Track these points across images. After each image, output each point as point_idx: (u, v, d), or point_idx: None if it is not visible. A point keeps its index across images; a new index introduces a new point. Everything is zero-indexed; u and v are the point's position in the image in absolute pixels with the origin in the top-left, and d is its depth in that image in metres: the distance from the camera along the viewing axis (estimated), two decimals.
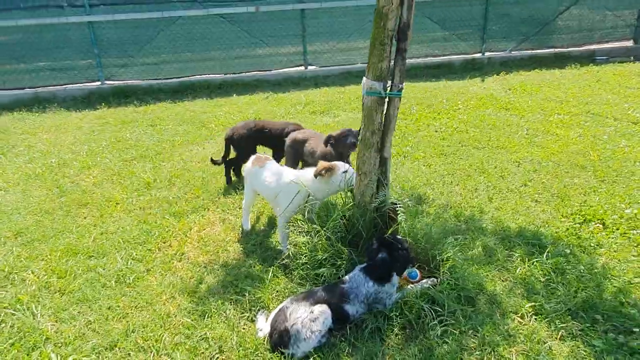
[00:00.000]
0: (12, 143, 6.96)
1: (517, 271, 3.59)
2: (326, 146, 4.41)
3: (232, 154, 5.32)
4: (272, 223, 4.47)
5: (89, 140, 6.98)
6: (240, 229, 4.37)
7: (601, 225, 4.16)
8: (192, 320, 3.18)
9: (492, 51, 10.98)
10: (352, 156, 4.36)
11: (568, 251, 3.76)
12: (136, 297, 3.49)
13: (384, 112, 3.39)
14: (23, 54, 9.32)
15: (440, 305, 3.10)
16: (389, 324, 3.07)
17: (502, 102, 7.89)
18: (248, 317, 3.24)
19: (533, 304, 3.22)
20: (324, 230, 3.48)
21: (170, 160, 6.12)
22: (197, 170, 5.72)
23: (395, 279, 3.22)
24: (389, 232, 3.34)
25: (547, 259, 3.64)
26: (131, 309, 3.36)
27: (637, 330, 2.96)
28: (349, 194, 3.64)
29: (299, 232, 3.69)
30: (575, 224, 4.21)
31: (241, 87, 9.70)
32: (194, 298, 3.44)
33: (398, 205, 3.50)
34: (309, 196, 3.76)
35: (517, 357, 2.84)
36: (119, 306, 3.39)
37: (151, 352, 2.95)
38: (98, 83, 9.63)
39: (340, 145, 4.34)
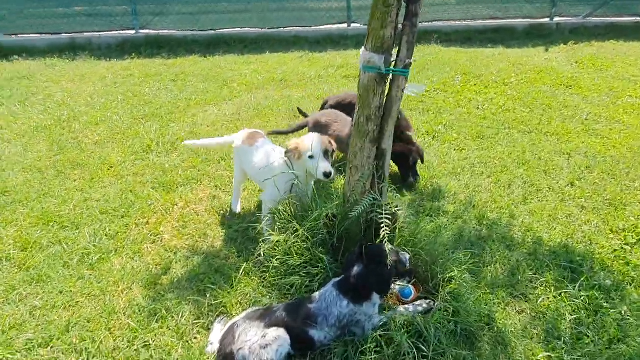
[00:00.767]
0: (33, 91, 6.81)
1: (539, 301, 2.89)
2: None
3: None
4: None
5: (107, 93, 6.69)
6: (229, 209, 3.91)
7: None
8: (137, 323, 2.77)
9: (563, 16, 9.56)
10: None
11: (609, 282, 2.98)
12: (92, 282, 3.14)
13: (385, 94, 2.69)
14: None
15: (428, 342, 2.49)
16: (360, 356, 2.49)
17: (564, 77, 6.75)
18: (203, 324, 2.79)
19: (550, 354, 2.53)
20: (303, 231, 2.91)
21: (180, 121, 5.70)
22: (205, 134, 5.26)
23: (377, 297, 2.64)
24: (381, 238, 2.72)
25: (579, 291, 2.90)
26: (82, 297, 3.02)
27: None
28: (332, 189, 3.02)
29: (279, 227, 3.14)
30: (626, 244, 3.37)
31: (277, 44, 9.04)
32: (151, 292, 3.03)
33: (398, 208, 2.88)
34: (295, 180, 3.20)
35: None
36: (71, 291, 3.06)
37: (83, 356, 2.59)
38: (133, 32, 9.32)
39: None
